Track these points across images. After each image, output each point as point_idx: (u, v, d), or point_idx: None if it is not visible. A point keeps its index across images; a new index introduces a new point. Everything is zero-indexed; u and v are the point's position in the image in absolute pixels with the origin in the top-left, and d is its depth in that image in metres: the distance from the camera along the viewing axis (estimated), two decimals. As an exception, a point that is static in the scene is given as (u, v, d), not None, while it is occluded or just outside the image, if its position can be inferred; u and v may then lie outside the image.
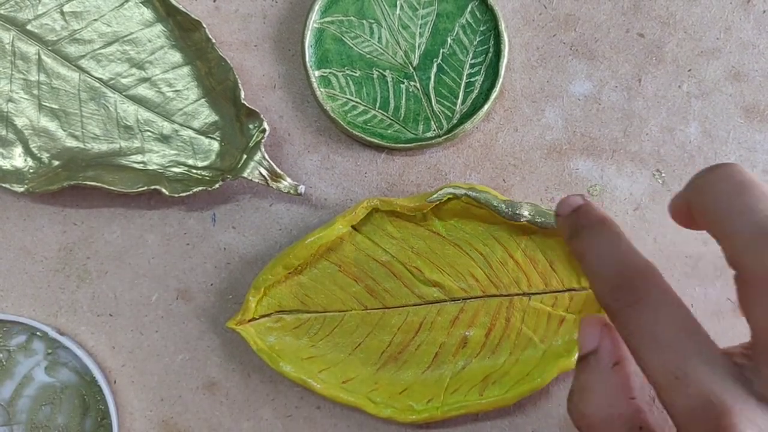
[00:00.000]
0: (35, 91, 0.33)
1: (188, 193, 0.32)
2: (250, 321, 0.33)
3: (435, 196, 0.32)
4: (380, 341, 0.33)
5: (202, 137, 0.34)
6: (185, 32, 0.33)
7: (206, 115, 0.34)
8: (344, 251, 0.33)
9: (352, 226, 0.33)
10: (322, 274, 0.33)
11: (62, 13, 0.33)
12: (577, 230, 0.23)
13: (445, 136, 0.33)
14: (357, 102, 0.34)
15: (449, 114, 0.34)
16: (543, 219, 0.32)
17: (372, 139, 0.34)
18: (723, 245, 0.20)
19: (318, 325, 0.33)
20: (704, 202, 0.21)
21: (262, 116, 0.33)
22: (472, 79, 0.34)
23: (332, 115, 0.33)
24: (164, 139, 0.33)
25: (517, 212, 0.32)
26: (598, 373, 0.22)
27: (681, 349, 0.20)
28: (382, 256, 0.33)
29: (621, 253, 0.22)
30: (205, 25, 0.32)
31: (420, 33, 0.34)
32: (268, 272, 0.32)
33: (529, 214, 0.32)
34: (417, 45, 0.34)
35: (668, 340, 0.20)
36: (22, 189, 0.32)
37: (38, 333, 0.33)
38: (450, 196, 0.32)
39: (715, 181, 0.21)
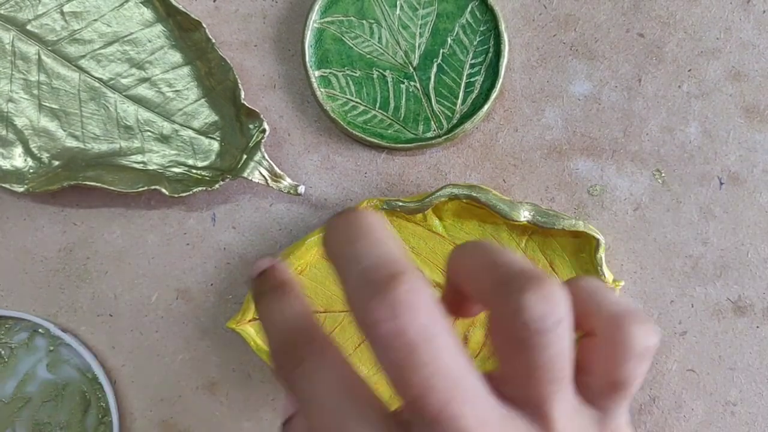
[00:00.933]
0: (35, 91, 0.33)
1: (188, 193, 0.32)
2: (250, 321, 0.33)
3: (436, 195, 0.32)
4: None
5: (202, 137, 0.34)
6: (185, 32, 0.33)
7: (206, 115, 0.34)
8: (344, 251, 0.33)
9: None
10: (322, 274, 0.33)
11: (62, 13, 0.33)
12: (258, 296, 0.23)
13: (445, 136, 0.33)
14: (357, 102, 0.34)
15: (449, 114, 0.34)
16: (543, 219, 0.32)
17: (372, 139, 0.34)
18: (343, 293, 0.20)
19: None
20: (327, 248, 0.20)
21: (262, 116, 0.33)
22: (472, 79, 0.34)
23: (332, 115, 0.33)
24: (164, 139, 0.33)
25: (518, 212, 0.32)
26: None
27: (341, 412, 0.19)
28: (382, 256, 0.33)
29: (288, 318, 0.22)
30: (205, 25, 0.32)
31: (420, 33, 0.34)
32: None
33: (530, 214, 0.32)
34: (417, 45, 0.34)
35: (328, 404, 0.19)
36: (22, 189, 0.32)
37: (40, 330, 0.33)
38: (450, 196, 0.32)
39: (334, 228, 0.20)
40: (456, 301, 0.23)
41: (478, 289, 0.20)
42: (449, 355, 0.18)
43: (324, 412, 0.19)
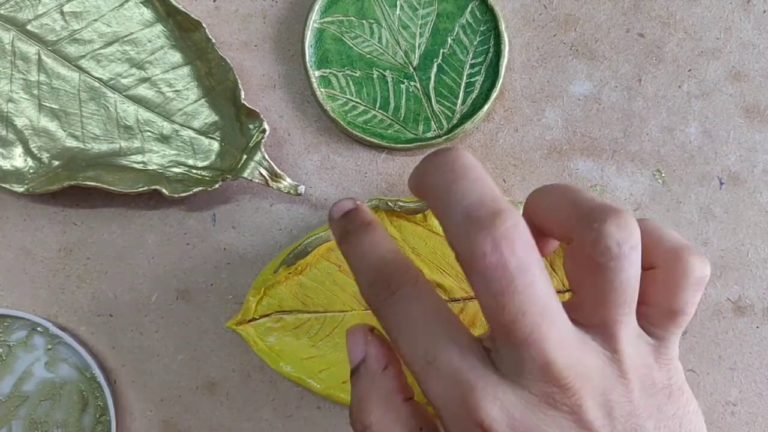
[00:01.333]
0: (35, 91, 0.33)
1: (188, 193, 0.32)
2: (250, 321, 0.33)
3: None
4: None
5: (202, 137, 0.34)
6: (185, 32, 0.33)
7: (206, 115, 0.34)
8: (344, 251, 0.33)
9: None
10: (322, 274, 0.33)
11: (62, 13, 0.33)
12: (345, 234, 0.24)
13: (445, 137, 0.33)
14: (357, 102, 0.34)
15: (449, 114, 0.34)
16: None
17: (372, 139, 0.34)
18: (442, 227, 0.21)
19: (318, 325, 0.33)
20: (426, 186, 0.22)
21: (262, 116, 0.33)
22: (472, 79, 0.34)
23: (332, 115, 0.33)
24: (164, 139, 0.33)
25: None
26: (369, 381, 0.23)
27: (432, 335, 0.21)
28: (382, 256, 0.33)
29: (380, 252, 0.23)
30: (205, 25, 0.32)
31: (420, 33, 0.34)
32: (267, 272, 0.32)
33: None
34: (417, 45, 0.34)
35: (420, 328, 0.21)
36: (22, 189, 0.32)
37: (39, 329, 0.33)
38: None
39: (434, 166, 0.22)
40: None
41: (558, 223, 0.22)
42: (540, 284, 0.20)
43: (417, 336, 0.21)
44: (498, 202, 0.20)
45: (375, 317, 0.23)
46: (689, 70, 0.34)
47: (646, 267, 0.23)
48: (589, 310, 0.21)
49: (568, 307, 0.21)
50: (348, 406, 0.33)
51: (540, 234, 0.23)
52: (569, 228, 0.22)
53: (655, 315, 0.23)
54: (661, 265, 0.23)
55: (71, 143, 0.33)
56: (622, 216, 0.21)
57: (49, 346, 0.33)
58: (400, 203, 0.32)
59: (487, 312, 0.20)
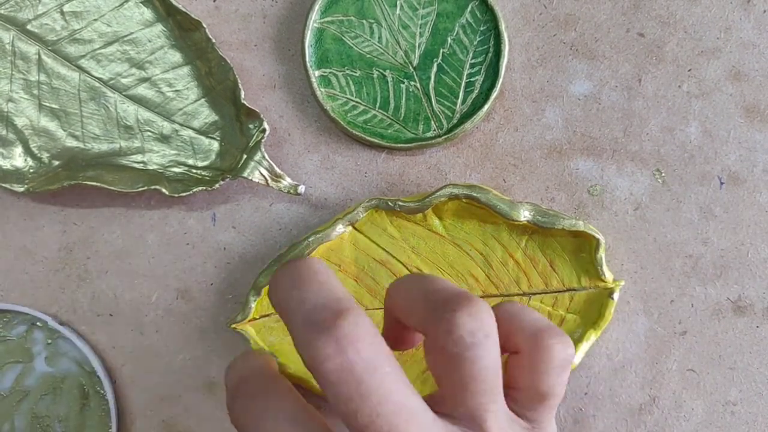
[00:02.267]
0: (35, 91, 0.33)
1: (188, 193, 0.32)
2: (250, 321, 0.33)
3: (436, 195, 0.32)
4: None
5: (202, 137, 0.34)
6: (185, 32, 0.33)
7: (206, 115, 0.34)
8: (344, 251, 0.33)
9: (353, 226, 0.33)
10: None
11: (62, 13, 0.33)
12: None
13: (445, 136, 0.33)
14: (357, 102, 0.34)
15: (449, 114, 0.34)
16: (543, 219, 0.32)
17: (372, 139, 0.34)
18: (292, 340, 0.21)
19: None
20: (273, 297, 0.22)
21: (262, 116, 0.33)
22: (472, 79, 0.34)
23: (332, 115, 0.33)
24: (164, 138, 0.33)
25: (518, 212, 0.32)
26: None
27: None
28: (381, 256, 0.33)
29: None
30: (205, 25, 0.32)
31: (420, 33, 0.34)
32: (268, 273, 0.32)
33: (530, 214, 0.32)
34: (417, 45, 0.34)
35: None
36: (22, 189, 0.32)
37: (38, 323, 0.33)
38: (450, 195, 0.32)
39: (278, 277, 0.22)
40: (396, 333, 0.24)
41: (414, 316, 0.22)
42: (393, 382, 0.19)
43: None
44: (341, 302, 0.20)
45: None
46: (689, 70, 0.34)
47: (512, 351, 0.23)
48: (454, 402, 0.21)
49: (432, 401, 0.21)
50: None
51: (401, 326, 0.23)
52: (424, 320, 0.21)
53: (524, 398, 0.23)
54: (524, 350, 0.23)
55: (71, 143, 0.33)
56: (473, 304, 0.20)
57: (49, 341, 0.34)
58: (400, 203, 0.32)
59: (342, 419, 0.19)
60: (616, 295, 0.33)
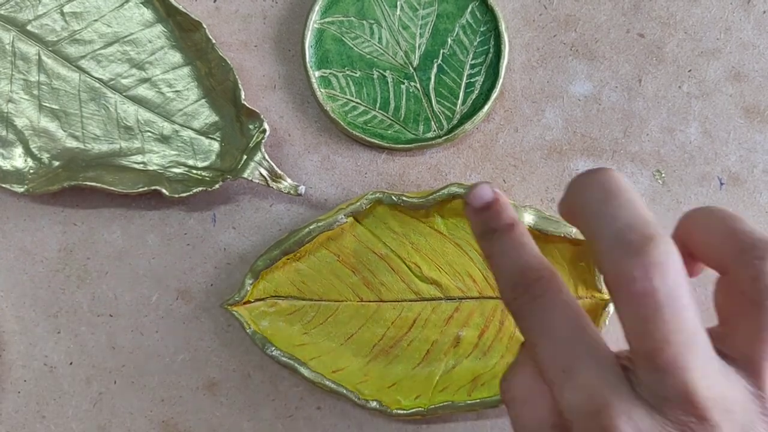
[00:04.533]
0: (35, 92, 0.33)
1: (188, 193, 0.32)
2: (244, 303, 0.33)
3: (439, 193, 0.32)
4: (373, 334, 0.33)
5: (203, 138, 0.34)
6: (185, 33, 0.33)
7: (206, 116, 0.34)
8: (344, 241, 0.33)
9: (354, 218, 0.33)
10: (320, 262, 0.33)
11: (62, 13, 0.33)
12: (488, 232, 0.24)
13: (445, 137, 0.33)
14: (357, 102, 0.34)
15: (449, 114, 0.34)
16: (545, 224, 0.32)
17: (372, 140, 0.34)
18: (591, 249, 0.21)
19: (312, 312, 0.33)
20: (576, 206, 0.22)
21: (262, 116, 0.33)
22: (472, 80, 0.34)
23: (332, 115, 0.33)
24: (164, 139, 0.33)
25: (521, 216, 0.32)
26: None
27: (571, 345, 0.21)
28: (381, 250, 0.33)
29: (524, 256, 0.23)
30: (205, 26, 0.32)
31: (420, 33, 0.34)
32: (266, 257, 0.32)
33: (532, 219, 0.32)
34: (417, 45, 0.34)
35: (560, 336, 0.21)
36: (22, 189, 0.32)
37: None
38: (454, 194, 0.32)
39: (586, 186, 0.22)
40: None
41: (713, 252, 0.22)
42: (688, 313, 0.19)
43: (556, 343, 0.21)
44: (650, 226, 0.20)
45: (513, 319, 0.23)
46: (689, 71, 0.34)
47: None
48: (737, 344, 0.21)
49: (713, 335, 0.21)
50: (337, 397, 0.33)
51: (689, 256, 0.23)
52: (726, 259, 0.21)
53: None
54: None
55: (71, 143, 0.33)
56: None
57: None
58: (404, 198, 0.32)
59: (629, 335, 0.20)
60: (610, 308, 0.33)
